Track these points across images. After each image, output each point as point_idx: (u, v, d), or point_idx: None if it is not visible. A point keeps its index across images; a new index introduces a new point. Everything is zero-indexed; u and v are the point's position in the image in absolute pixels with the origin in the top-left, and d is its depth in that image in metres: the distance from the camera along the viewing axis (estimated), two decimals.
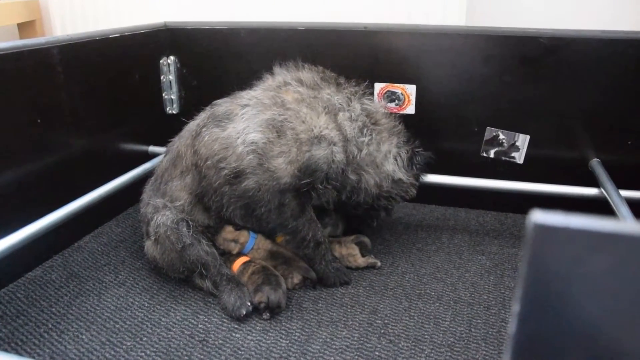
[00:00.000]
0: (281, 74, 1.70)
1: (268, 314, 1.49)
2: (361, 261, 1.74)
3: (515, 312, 0.42)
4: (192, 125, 1.69)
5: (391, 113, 1.78)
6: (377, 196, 1.71)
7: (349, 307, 1.56)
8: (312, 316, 1.51)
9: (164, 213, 1.60)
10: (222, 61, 2.25)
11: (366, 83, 1.77)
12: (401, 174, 1.72)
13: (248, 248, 1.69)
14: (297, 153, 1.51)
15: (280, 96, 1.60)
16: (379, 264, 1.76)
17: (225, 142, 1.56)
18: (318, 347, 1.39)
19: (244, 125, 1.55)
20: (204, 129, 1.60)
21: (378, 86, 2.08)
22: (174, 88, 2.29)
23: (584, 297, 0.41)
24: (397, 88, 2.07)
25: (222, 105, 1.64)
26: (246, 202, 1.58)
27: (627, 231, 0.38)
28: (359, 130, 1.63)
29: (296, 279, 1.62)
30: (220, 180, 1.57)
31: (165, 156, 1.75)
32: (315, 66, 1.74)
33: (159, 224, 1.58)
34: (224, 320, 1.50)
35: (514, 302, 0.42)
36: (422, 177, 1.82)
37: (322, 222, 1.72)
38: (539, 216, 0.39)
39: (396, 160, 1.72)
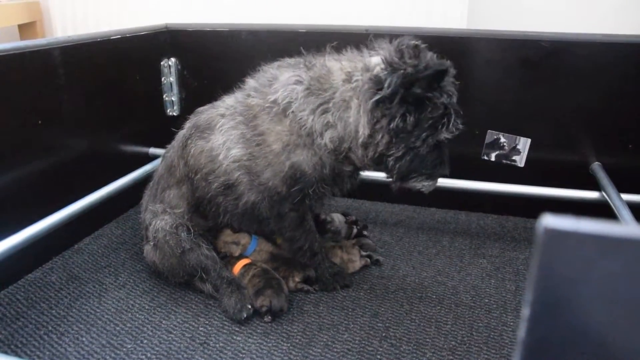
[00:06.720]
0: (252, 79, 1.59)
1: (270, 318, 1.48)
2: (358, 265, 1.74)
3: (525, 316, 0.42)
4: (180, 136, 1.67)
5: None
6: (371, 160, 1.44)
7: (350, 310, 1.55)
8: (313, 319, 1.51)
9: (162, 218, 1.60)
10: (222, 63, 2.25)
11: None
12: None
13: (250, 250, 1.68)
14: (277, 164, 1.47)
15: (250, 105, 1.52)
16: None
17: (210, 155, 1.55)
18: (319, 351, 1.38)
19: (223, 139, 1.53)
20: (189, 141, 1.60)
21: None
22: (175, 90, 2.29)
23: (594, 301, 0.41)
24: None
25: (204, 113, 1.63)
26: (244, 210, 1.57)
27: (637, 235, 0.38)
28: (320, 115, 1.42)
29: (297, 277, 1.62)
30: (212, 192, 1.57)
31: (161, 162, 1.75)
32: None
33: (158, 229, 1.58)
34: (225, 323, 1.49)
35: (524, 306, 0.42)
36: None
37: (322, 228, 1.69)
38: (549, 220, 0.39)
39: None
